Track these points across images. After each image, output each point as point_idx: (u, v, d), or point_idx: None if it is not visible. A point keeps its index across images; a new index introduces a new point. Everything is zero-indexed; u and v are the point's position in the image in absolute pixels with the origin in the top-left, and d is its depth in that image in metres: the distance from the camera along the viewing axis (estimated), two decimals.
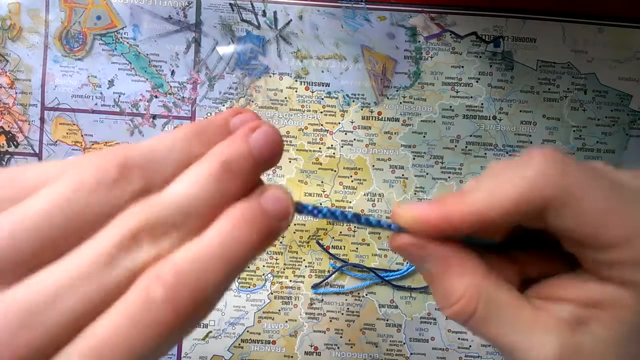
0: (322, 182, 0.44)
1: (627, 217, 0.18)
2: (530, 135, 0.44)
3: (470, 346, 0.44)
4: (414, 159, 0.44)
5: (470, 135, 0.44)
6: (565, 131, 0.44)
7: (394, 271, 0.44)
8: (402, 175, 0.44)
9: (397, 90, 0.44)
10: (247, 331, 0.44)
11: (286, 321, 0.44)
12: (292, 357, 0.44)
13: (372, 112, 0.44)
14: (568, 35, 0.43)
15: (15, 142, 0.44)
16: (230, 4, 0.43)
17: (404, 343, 0.44)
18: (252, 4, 0.43)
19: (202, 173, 0.17)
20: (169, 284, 0.15)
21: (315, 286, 0.44)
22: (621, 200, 0.19)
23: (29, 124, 0.44)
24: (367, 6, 0.43)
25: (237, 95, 0.44)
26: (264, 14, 0.44)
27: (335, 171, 0.44)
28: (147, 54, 0.44)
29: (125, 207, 0.16)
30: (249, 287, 0.44)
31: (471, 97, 0.44)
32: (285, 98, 0.44)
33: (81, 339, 0.14)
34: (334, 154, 0.44)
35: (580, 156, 0.44)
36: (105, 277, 0.15)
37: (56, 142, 0.44)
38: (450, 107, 0.44)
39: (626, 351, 0.19)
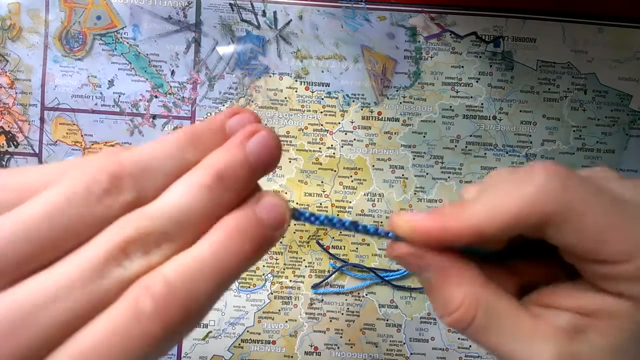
0: (322, 182, 0.44)
1: (628, 232, 0.18)
2: (530, 135, 0.44)
3: (470, 346, 0.44)
4: (414, 159, 0.44)
5: (470, 135, 0.44)
6: (565, 131, 0.44)
7: (394, 271, 0.44)
8: (402, 175, 0.44)
9: (397, 90, 0.44)
10: (247, 331, 0.44)
11: (286, 321, 0.44)
12: (292, 357, 0.44)
13: (372, 112, 0.44)
14: (568, 35, 0.43)
15: (15, 142, 0.44)
16: (230, 4, 0.43)
17: (404, 343, 0.44)
18: (252, 4, 0.43)
19: (196, 183, 0.16)
20: (158, 296, 0.15)
21: (315, 286, 0.44)
22: (622, 215, 0.19)
23: (29, 124, 0.44)
24: (367, 6, 0.43)
25: (237, 95, 0.44)
26: (264, 14, 0.44)
27: (335, 171, 0.44)
28: (147, 54, 0.44)
29: (117, 217, 0.16)
30: (249, 287, 0.44)
31: (471, 97, 0.44)
32: (285, 98, 0.44)
33: (70, 344, 0.14)
34: (334, 154, 0.44)
35: (580, 156, 0.44)
36: (94, 286, 0.15)
37: (56, 142, 0.44)
38: (450, 107, 0.44)
39: None
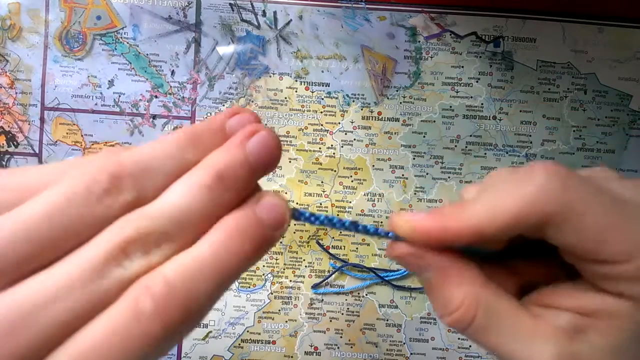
0: (322, 182, 0.44)
1: (628, 232, 0.18)
2: (530, 135, 0.44)
3: (470, 346, 0.44)
4: (414, 159, 0.44)
5: (470, 135, 0.44)
6: (565, 131, 0.44)
7: (394, 271, 0.44)
8: (402, 175, 0.44)
9: (397, 90, 0.44)
10: (247, 331, 0.44)
11: (286, 321, 0.44)
12: (292, 357, 0.44)
13: (372, 112, 0.44)
14: (568, 35, 0.43)
15: (15, 142, 0.44)
16: (230, 4, 0.43)
17: (404, 343, 0.44)
18: (252, 4, 0.43)
19: (196, 183, 0.16)
20: (158, 296, 0.15)
21: (315, 286, 0.44)
22: (622, 215, 0.19)
23: (29, 124, 0.44)
24: (367, 6, 0.43)
25: (237, 95, 0.44)
26: (264, 14, 0.44)
27: (335, 171, 0.44)
28: (147, 54, 0.44)
29: (117, 217, 0.16)
30: (249, 287, 0.44)
31: (471, 97, 0.44)
32: (285, 98, 0.44)
33: (70, 344, 0.14)
34: (334, 154, 0.44)
35: (580, 156, 0.44)
36: (95, 286, 0.15)
37: (56, 142, 0.44)
38: (450, 107, 0.44)
39: None
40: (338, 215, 0.44)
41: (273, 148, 0.17)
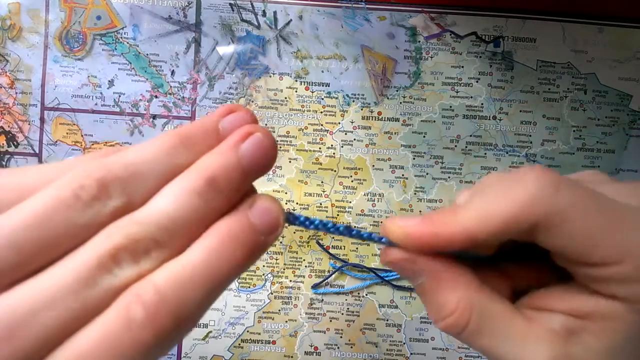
0: (322, 182, 0.44)
1: (619, 235, 0.18)
2: (530, 135, 0.44)
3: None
4: (414, 159, 0.44)
5: (470, 135, 0.44)
6: (565, 131, 0.44)
7: (393, 271, 0.44)
8: (402, 175, 0.44)
9: (397, 90, 0.44)
10: (247, 331, 0.44)
11: (286, 321, 0.44)
12: (292, 357, 0.44)
13: (372, 112, 0.44)
14: (568, 35, 0.43)
15: (15, 142, 0.44)
16: (230, 4, 0.43)
17: (404, 343, 0.44)
18: (252, 4, 0.43)
19: (186, 188, 0.16)
20: (148, 304, 0.15)
21: (315, 286, 0.44)
22: (613, 218, 0.19)
23: (29, 124, 0.44)
24: (367, 6, 0.43)
25: (237, 95, 0.44)
26: (264, 14, 0.44)
27: (335, 171, 0.44)
28: (147, 54, 0.44)
29: (108, 222, 0.15)
30: (249, 287, 0.44)
31: (471, 97, 0.44)
32: (285, 98, 0.44)
33: (61, 351, 0.14)
34: (334, 154, 0.44)
35: (580, 156, 0.44)
36: (86, 293, 0.14)
37: (56, 142, 0.44)
38: (450, 107, 0.44)
39: None
40: (338, 215, 0.44)
41: (267, 150, 0.17)
